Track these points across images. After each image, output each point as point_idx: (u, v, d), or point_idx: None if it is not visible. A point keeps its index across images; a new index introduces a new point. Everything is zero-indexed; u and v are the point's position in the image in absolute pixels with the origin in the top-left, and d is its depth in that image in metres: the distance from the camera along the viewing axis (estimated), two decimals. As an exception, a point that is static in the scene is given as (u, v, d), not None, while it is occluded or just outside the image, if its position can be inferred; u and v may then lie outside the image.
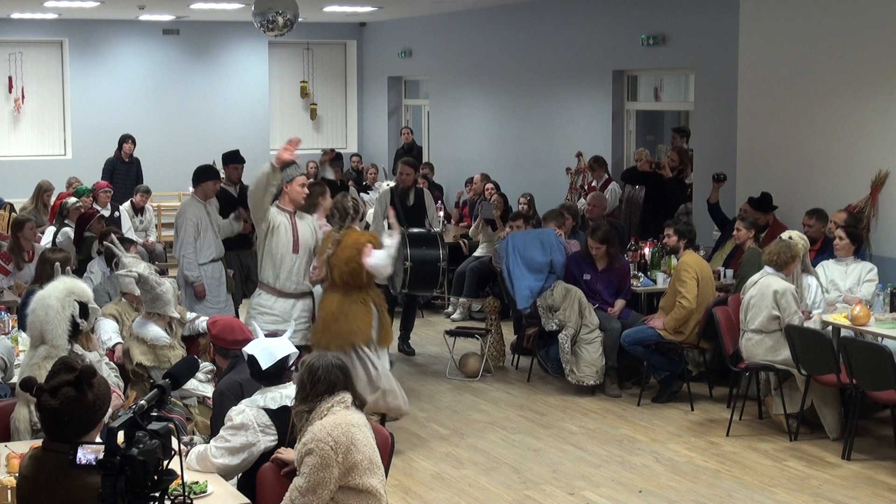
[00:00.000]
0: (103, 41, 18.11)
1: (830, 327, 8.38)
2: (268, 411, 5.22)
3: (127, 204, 13.71)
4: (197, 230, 9.71)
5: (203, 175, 9.93)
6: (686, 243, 9.39)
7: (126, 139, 15.45)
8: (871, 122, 9.77)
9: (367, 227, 10.47)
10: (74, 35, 17.87)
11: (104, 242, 8.80)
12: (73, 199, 11.80)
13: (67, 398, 3.96)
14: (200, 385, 6.54)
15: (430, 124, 18.21)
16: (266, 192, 7.97)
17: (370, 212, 13.38)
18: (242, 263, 10.55)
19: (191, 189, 10.18)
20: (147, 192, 14.07)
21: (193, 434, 6.14)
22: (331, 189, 9.60)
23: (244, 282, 10.54)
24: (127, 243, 8.57)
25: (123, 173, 15.26)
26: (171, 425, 3.57)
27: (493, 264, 11.18)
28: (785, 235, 8.63)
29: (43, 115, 18.13)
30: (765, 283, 8.31)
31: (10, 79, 17.82)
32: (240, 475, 5.33)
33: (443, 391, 9.78)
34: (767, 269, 8.41)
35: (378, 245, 7.84)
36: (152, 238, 13.73)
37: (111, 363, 6.55)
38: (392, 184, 14.14)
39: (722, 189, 11.15)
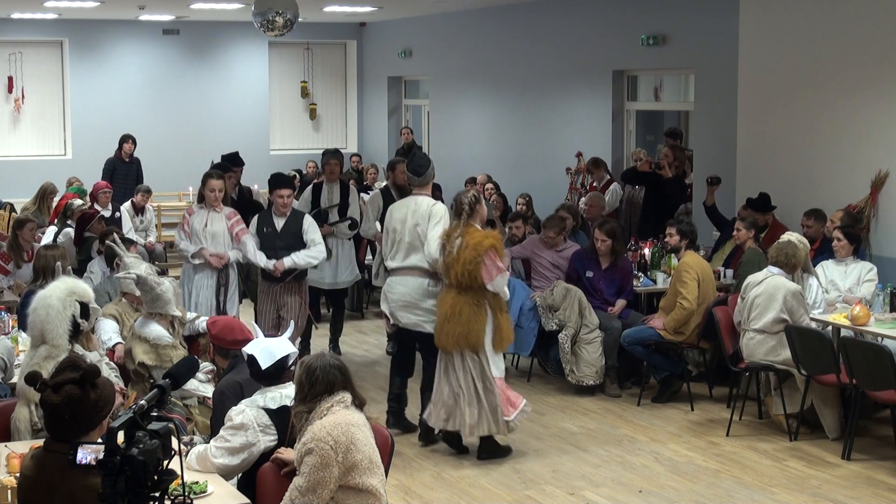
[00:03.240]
0: (103, 41, 18.11)
1: (830, 327, 8.38)
2: (268, 411, 5.23)
3: (128, 204, 13.70)
4: None
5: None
6: (688, 243, 9.39)
7: (126, 139, 15.44)
8: (871, 121, 9.77)
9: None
10: (74, 35, 17.88)
11: (106, 242, 8.81)
12: (79, 202, 11.83)
13: (70, 395, 3.96)
14: (200, 385, 6.54)
15: (430, 124, 18.22)
16: None
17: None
18: (241, 263, 10.56)
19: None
20: (148, 191, 14.06)
21: (193, 434, 6.15)
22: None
23: (244, 280, 10.55)
24: (127, 243, 8.58)
25: (124, 173, 15.25)
26: (171, 425, 3.57)
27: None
28: (784, 238, 8.60)
29: (43, 115, 18.13)
30: (772, 284, 8.27)
31: (10, 79, 17.83)
32: (240, 475, 5.33)
33: (443, 391, 9.76)
34: (773, 268, 8.37)
35: (501, 247, 7.73)
36: (152, 238, 13.71)
37: (111, 363, 6.55)
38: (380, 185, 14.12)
39: (722, 189, 11.16)
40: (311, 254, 9.41)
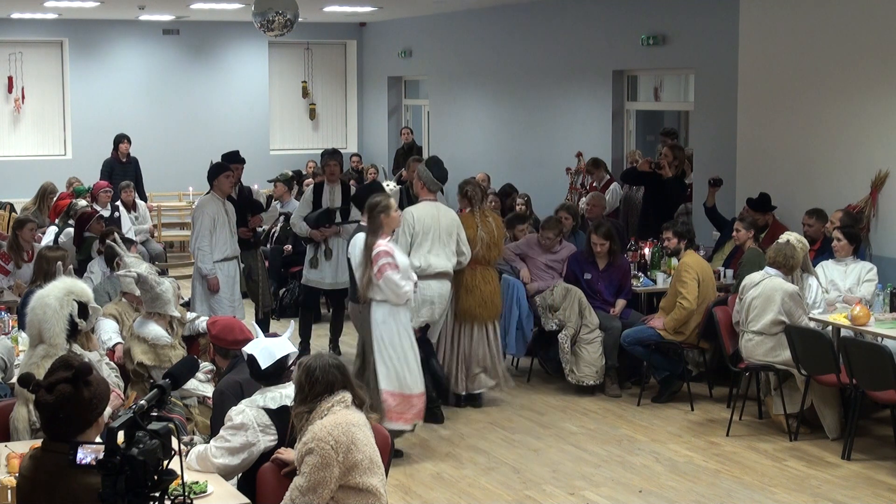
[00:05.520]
0: (103, 41, 18.11)
1: (830, 327, 8.38)
2: (268, 411, 5.23)
3: (118, 203, 13.60)
4: (213, 225, 9.78)
5: (214, 172, 10.01)
6: (686, 243, 9.39)
7: (122, 139, 15.39)
8: (871, 121, 9.77)
9: None
10: (74, 35, 17.87)
11: (106, 242, 8.81)
12: (83, 203, 11.82)
13: (63, 395, 3.96)
14: (200, 385, 6.54)
15: (430, 124, 18.22)
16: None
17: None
18: (241, 262, 10.56)
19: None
20: (128, 185, 13.83)
21: (193, 434, 6.15)
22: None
23: (246, 280, 10.56)
24: (127, 243, 8.58)
25: (122, 173, 15.20)
26: (171, 425, 3.58)
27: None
28: (783, 238, 8.60)
29: (43, 115, 18.13)
30: (770, 286, 8.27)
31: (10, 79, 17.82)
32: (240, 475, 5.33)
33: (443, 391, 9.77)
34: (770, 269, 8.37)
35: None
36: (146, 234, 13.59)
37: (111, 363, 6.55)
38: (392, 184, 14.12)
39: (722, 189, 11.15)
40: None
